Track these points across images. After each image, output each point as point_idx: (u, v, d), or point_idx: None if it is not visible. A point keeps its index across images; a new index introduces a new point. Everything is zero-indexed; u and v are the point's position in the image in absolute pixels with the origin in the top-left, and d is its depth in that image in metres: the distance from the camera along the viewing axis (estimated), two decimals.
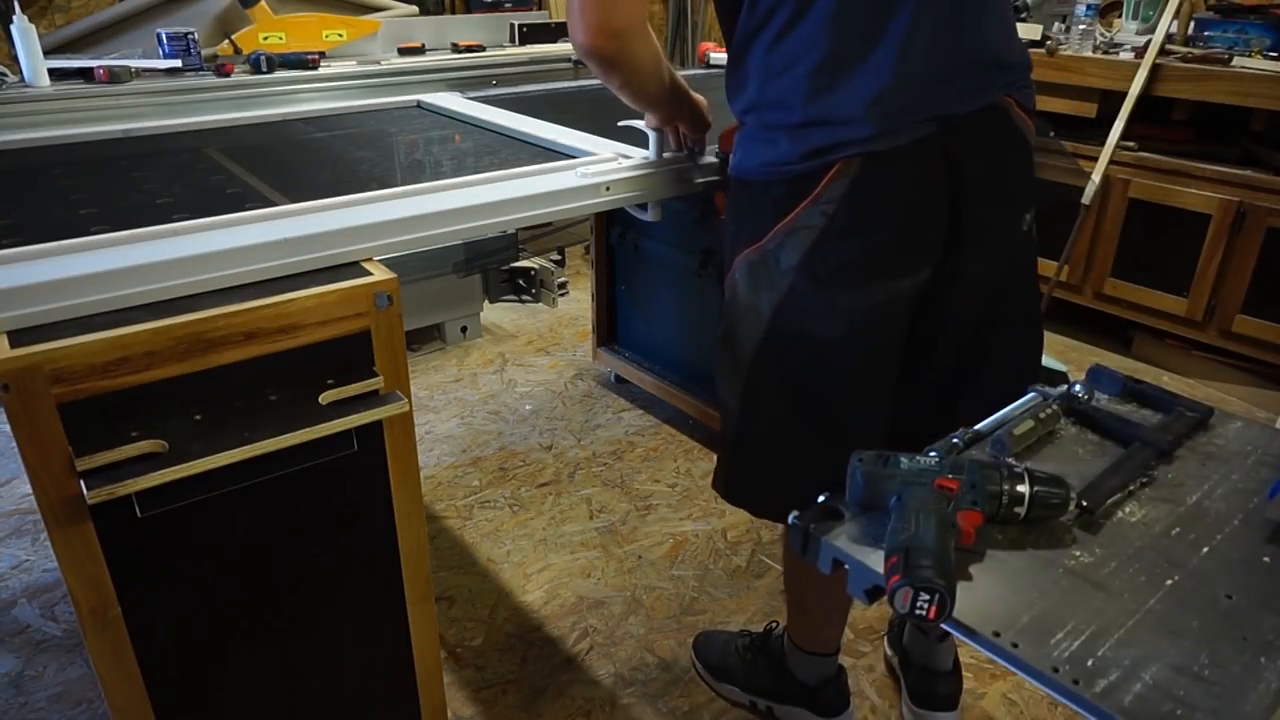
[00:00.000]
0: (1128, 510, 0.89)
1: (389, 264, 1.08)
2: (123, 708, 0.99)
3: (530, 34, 3.17)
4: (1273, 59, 2.57)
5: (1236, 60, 2.57)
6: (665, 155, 1.39)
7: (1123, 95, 2.69)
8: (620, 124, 1.45)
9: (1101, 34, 2.97)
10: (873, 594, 0.80)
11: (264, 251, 1.01)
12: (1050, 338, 3.06)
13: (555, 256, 3.52)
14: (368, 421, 1.01)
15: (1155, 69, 2.64)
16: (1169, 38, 2.73)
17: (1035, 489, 0.83)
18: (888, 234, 1.10)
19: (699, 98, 1.35)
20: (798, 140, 1.09)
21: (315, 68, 2.58)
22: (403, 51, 2.87)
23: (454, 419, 2.56)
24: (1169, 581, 0.79)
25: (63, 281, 0.91)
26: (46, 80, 2.24)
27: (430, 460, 2.36)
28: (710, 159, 1.40)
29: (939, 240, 1.13)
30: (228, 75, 2.44)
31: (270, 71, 2.51)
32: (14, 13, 2.20)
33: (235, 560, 1.02)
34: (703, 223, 2.24)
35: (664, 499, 2.20)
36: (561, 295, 3.28)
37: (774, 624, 1.65)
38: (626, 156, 1.39)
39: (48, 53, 2.29)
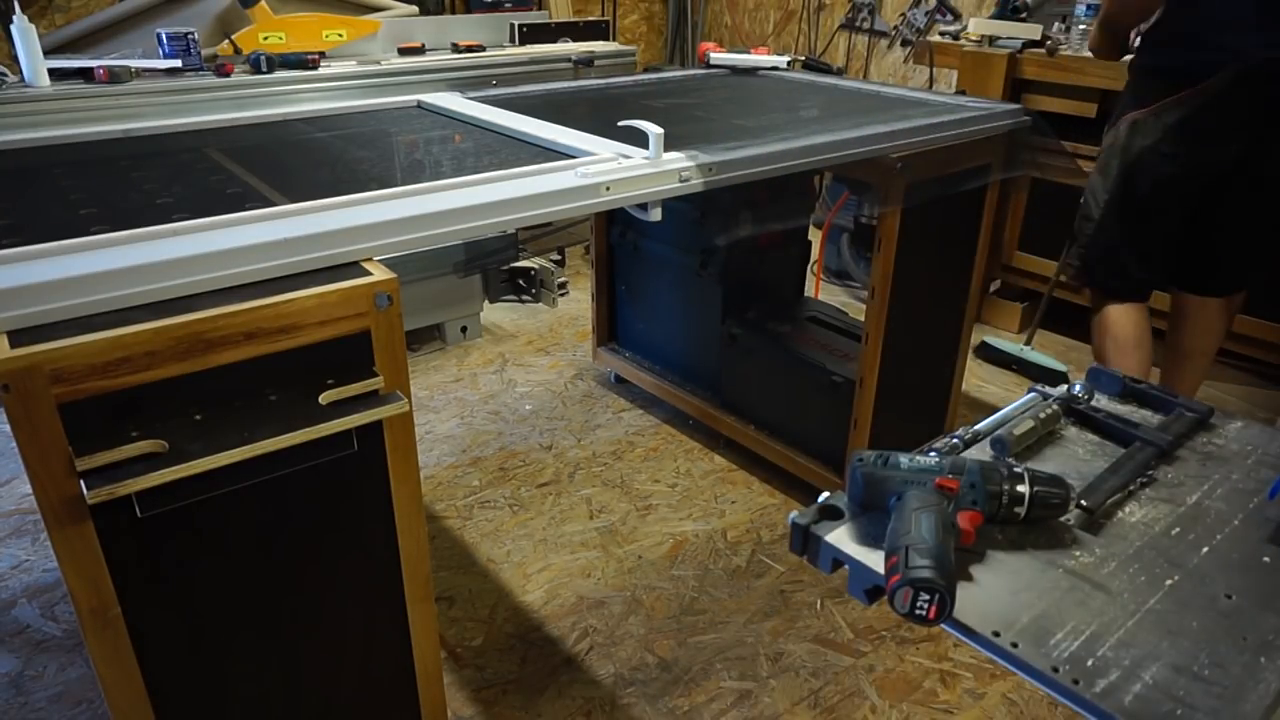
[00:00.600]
0: (1128, 510, 0.89)
1: (389, 264, 1.08)
2: (123, 708, 0.99)
3: (530, 34, 3.17)
4: None
5: None
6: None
7: None
8: (620, 124, 1.45)
9: None
10: (873, 594, 0.80)
11: (264, 251, 1.01)
12: (1050, 338, 3.06)
13: (555, 256, 3.52)
14: (368, 421, 1.01)
15: None
16: None
17: (1035, 489, 0.83)
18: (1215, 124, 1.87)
19: None
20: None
21: (315, 68, 2.58)
22: (403, 51, 2.87)
23: (454, 419, 2.56)
24: (1169, 581, 0.79)
25: (62, 281, 0.91)
26: (46, 80, 2.24)
27: (430, 460, 2.36)
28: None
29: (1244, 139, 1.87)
30: (228, 75, 2.44)
31: (270, 71, 2.51)
32: (14, 13, 2.20)
33: (235, 560, 1.02)
34: (703, 223, 2.24)
35: (664, 499, 2.20)
36: (561, 295, 3.28)
37: None
38: (626, 156, 1.39)
39: (48, 53, 2.29)
